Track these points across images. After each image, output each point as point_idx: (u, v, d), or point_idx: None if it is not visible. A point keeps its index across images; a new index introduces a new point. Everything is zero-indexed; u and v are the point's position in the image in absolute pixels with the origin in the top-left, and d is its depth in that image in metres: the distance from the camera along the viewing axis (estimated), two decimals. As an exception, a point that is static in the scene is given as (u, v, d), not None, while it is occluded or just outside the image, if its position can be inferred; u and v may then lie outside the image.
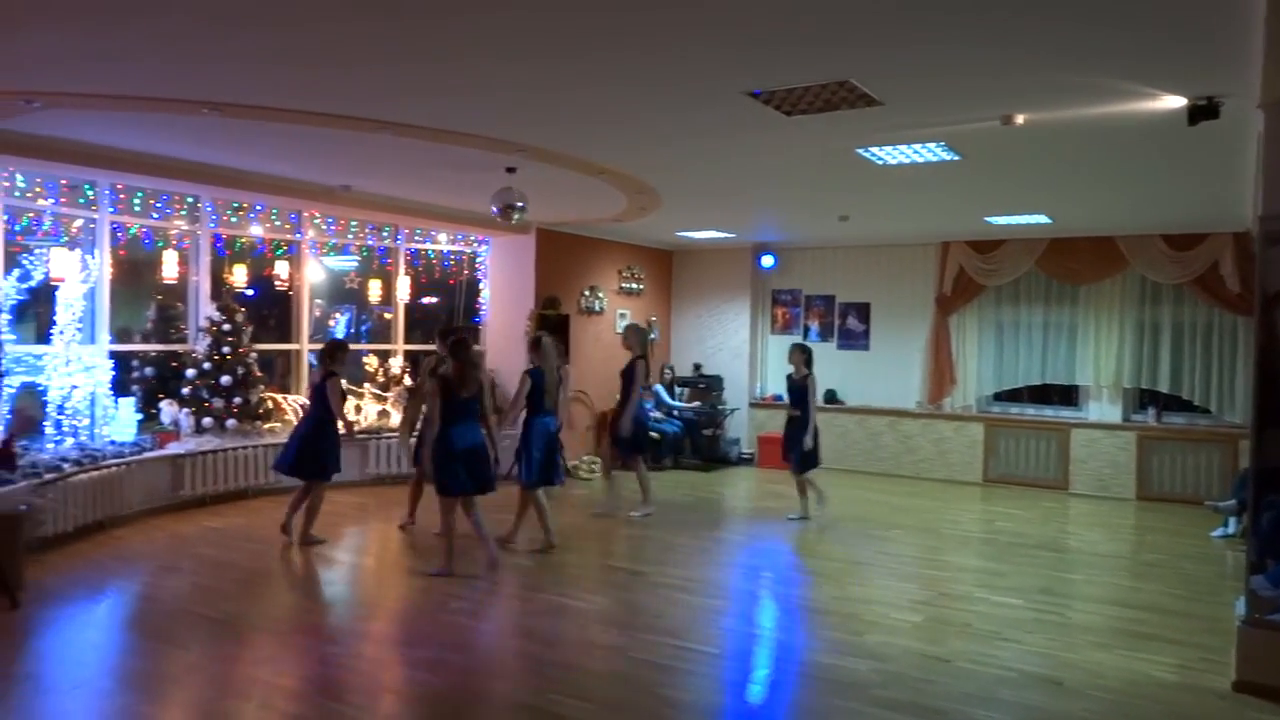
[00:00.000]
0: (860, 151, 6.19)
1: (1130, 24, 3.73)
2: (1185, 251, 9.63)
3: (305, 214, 9.35)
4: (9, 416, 6.85)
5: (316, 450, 6.96)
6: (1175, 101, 4.73)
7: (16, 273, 6.96)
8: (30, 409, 7.22)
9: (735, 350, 12.40)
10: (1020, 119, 5.17)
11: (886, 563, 7.00)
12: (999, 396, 11.09)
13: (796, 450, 8.34)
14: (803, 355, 8.50)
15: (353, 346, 9.94)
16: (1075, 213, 8.76)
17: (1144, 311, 10.13)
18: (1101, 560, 7.34)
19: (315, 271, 9.74)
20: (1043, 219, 9.10)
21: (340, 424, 7.05)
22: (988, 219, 9.24)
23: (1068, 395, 10.75)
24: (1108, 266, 10.09)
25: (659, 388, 11.85)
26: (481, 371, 6.55)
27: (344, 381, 7.26)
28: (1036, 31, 3.85)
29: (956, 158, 6.26)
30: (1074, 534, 8.35)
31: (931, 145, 5.97)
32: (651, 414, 11.43)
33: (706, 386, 12.14)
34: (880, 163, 6.47)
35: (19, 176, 6.98)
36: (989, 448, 10.81)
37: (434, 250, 10.58)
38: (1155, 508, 9.53)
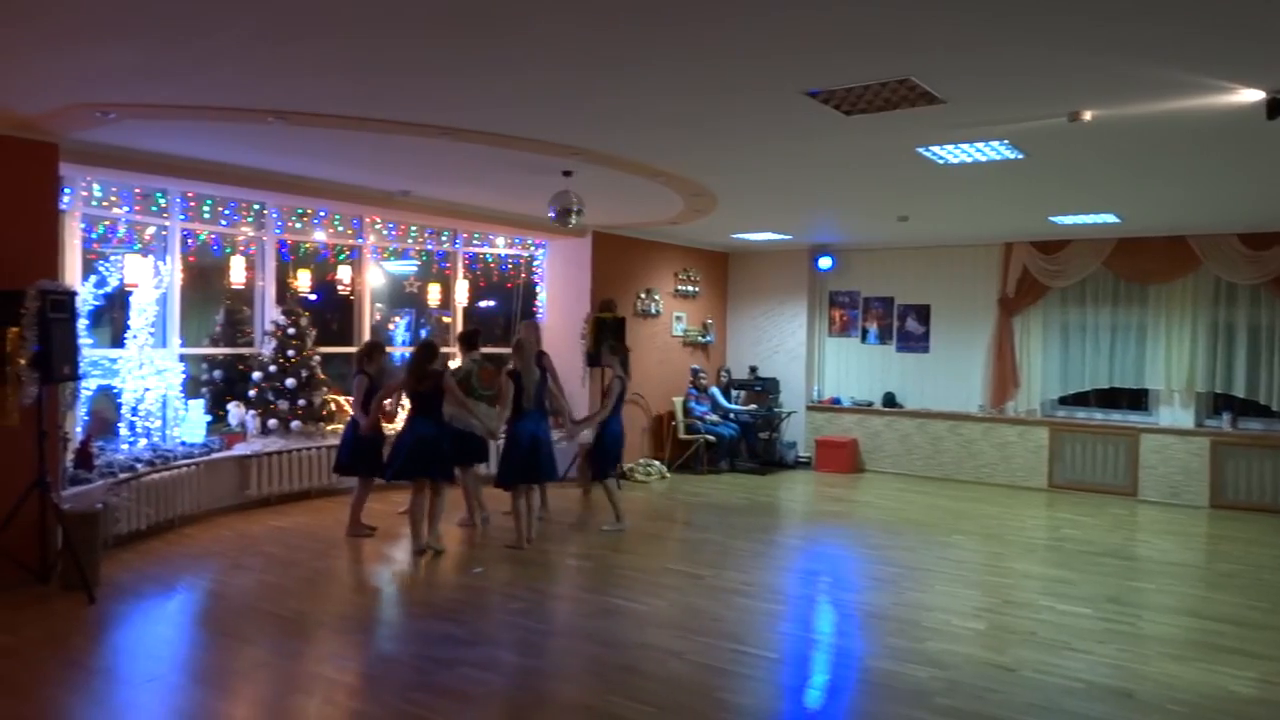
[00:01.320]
0: (920, 151, 6.09)
1: (1205, 16, 3.61)
2: (1263, 251, 9.29)
3: (366, 219, 9.53)
4: (87, 418, 7.10)
5: (354, 449, 7.35)
6: (1253, 95, 4.56)
7: (93, 279, 7.21)
8: (106, 411, 7.47)
9: (792, 353, 12.30)
10: (1088, 115, 5.02)
11: (948, 569, 6.87)
12: (1064, 400, 10.82)
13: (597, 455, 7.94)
14: (614, 355, 8.05)
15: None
16: (1146, 211, 8.51)
17: (1218, 313, 9.79)
18: (1174, 569, 7.12)
19: (376, 276, 9.91)
20: (1111, 218, 8.85)
21: (363, 423, 7.25)
22: (1053, 219, 9.02)
23: (1137, 399, 10.44)
24: (1179, 266, 9.79)
25: (715, 389, 11.82)
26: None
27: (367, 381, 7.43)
28: (1106, 27, 3.74)
29: (1020, 156, 6.12)
30: (1144, 542, 8.11)
31: (994, 144, 5.84)
32: (707, 416, 11.43)
33: (763, 389, 12.06)
34: (941, 162, 6.36)
35: (95, 186, 7.22)
36: (1054, 452, 10.55)
37: (491, 254, 10.69)
38: (1230, 516, 9.21)
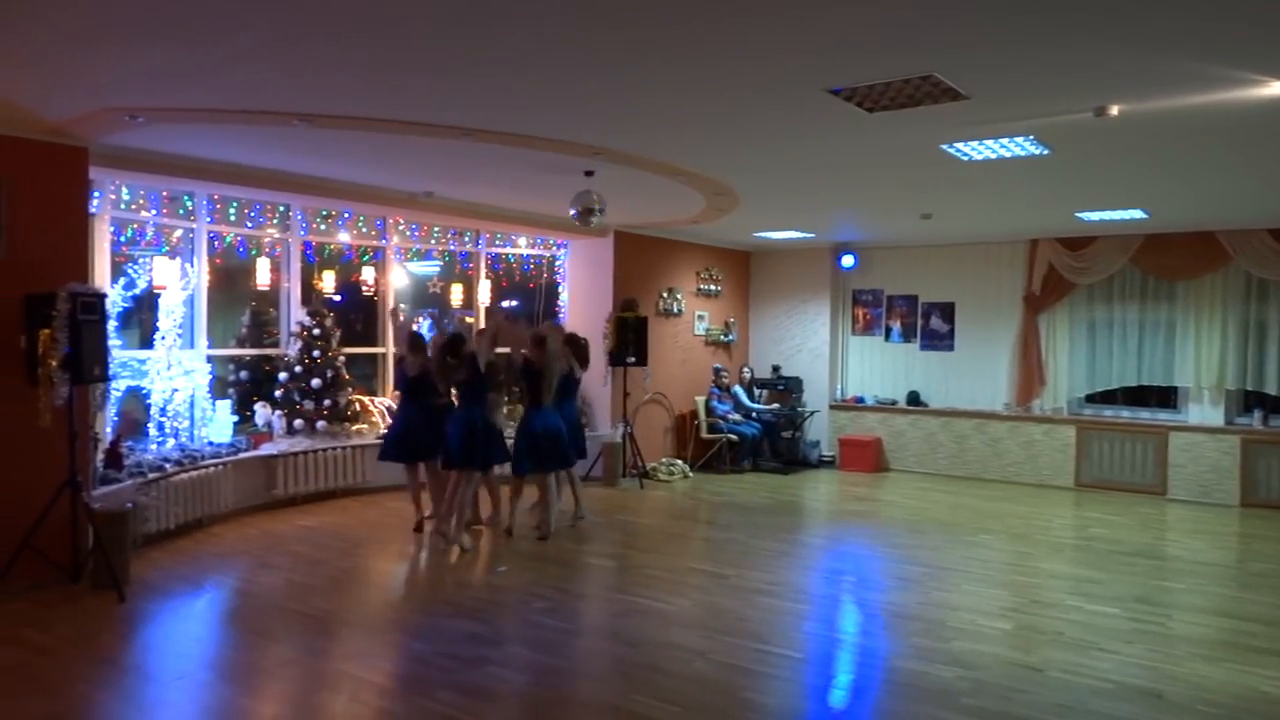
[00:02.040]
0: (944, 147, 6.04)
1: (1234, 7, 3.55)
2: (1294, 246, 9.16)
3: (390, 220, 9.59)
4: (116, 419, 7.19)
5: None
6: (1284, 87, 4.50)
7: (122, 281, 7.30)
8: (135, 411, 7.56)
9: (815, 351, 12.25)
10: (1115, 110, 4.97)
11: (974, 568, 6.82)
12: (1091, 398, 10.71)
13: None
14: (567, 345, 8.02)
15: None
16: (1174, 207, 8.40)
17: (1249, 309, 9.65)
18: (1204, 569, 7.02)
19: (399, 277, 9.97)
20: (1138, 214, 8.74)
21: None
22: (1079, 215, 8.93)
23: (1165, 397, 10.31)
24: (1209, 262, 9.65)
25: (738, 388, 11.79)
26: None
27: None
28: (1132, 20, 3.69)
29: (1046, 152, 6.06)
30: (1173, 541, 8.01)
31: (1019, 139, 5.79)
32: (730, 415, 11.41)
33: (786, 388, 12.02)
34: (965, 158, 6.31)
35: (124, 189, 7.32)
36: (1081, 451, 10.44)
37: (514, 254, 10.73)
38: (1261, 515, 9.08)
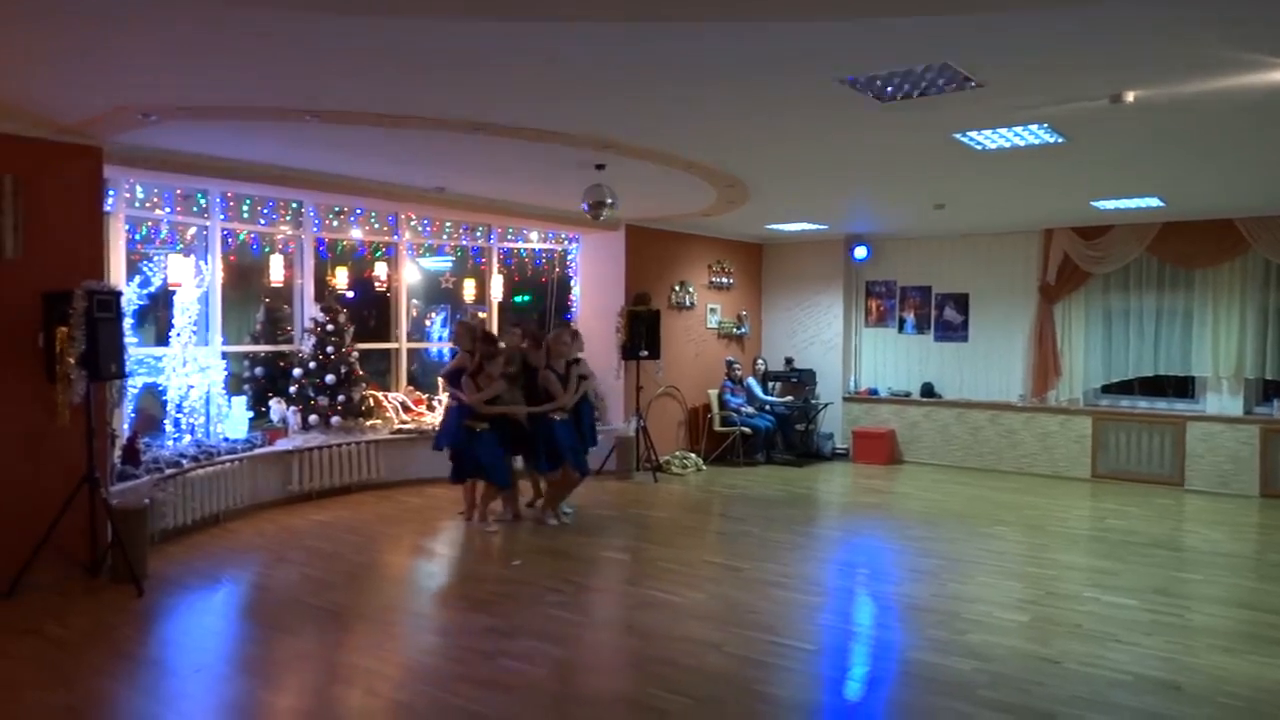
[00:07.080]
0: (957, 136, 5.99)
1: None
2: (1313, 232, 9.05)
3: (402, 216, 9.60)
4: (133, 415, 7.24)
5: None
6: (1303, 71, 4.43)
7: (138, 279, 7.34)
8: (152, 408, 7.61)
9: (828, 344, 12.21)
10: (1131, 97, 4.91)
11: (990, 560, 6.79)
12: (1108, 389, 10.63)
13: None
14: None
15: (444, 347, 10.22)
16: (1191, 194, 8.32)
17: (1268, 296, 9.55)
18: (1223, 560, 6.96)
19: (412, 272, 9.99)
20: (1155, 202, 8.67)
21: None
22: (1095, 203, 8.85)
23: (1183, 387, 10.23)
24: (1227, 250, 9.56)
25: (751, 381, 11.77)
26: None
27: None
28: (1150, 4, 3.65)
29: (1061, 140, 6.01)
30: (1192, 532, 7.95)
31: (1034, 128, 5.74)
32: (743, 409, 11.39)
33: (799, 381, 11.99)
34: (979, 148, 6.26)
35: (138, 188, 7.36)
36: (1098, 442, 10.37)
37: (526, 249, 10.73)
38: (1282, 505, 9.01)
